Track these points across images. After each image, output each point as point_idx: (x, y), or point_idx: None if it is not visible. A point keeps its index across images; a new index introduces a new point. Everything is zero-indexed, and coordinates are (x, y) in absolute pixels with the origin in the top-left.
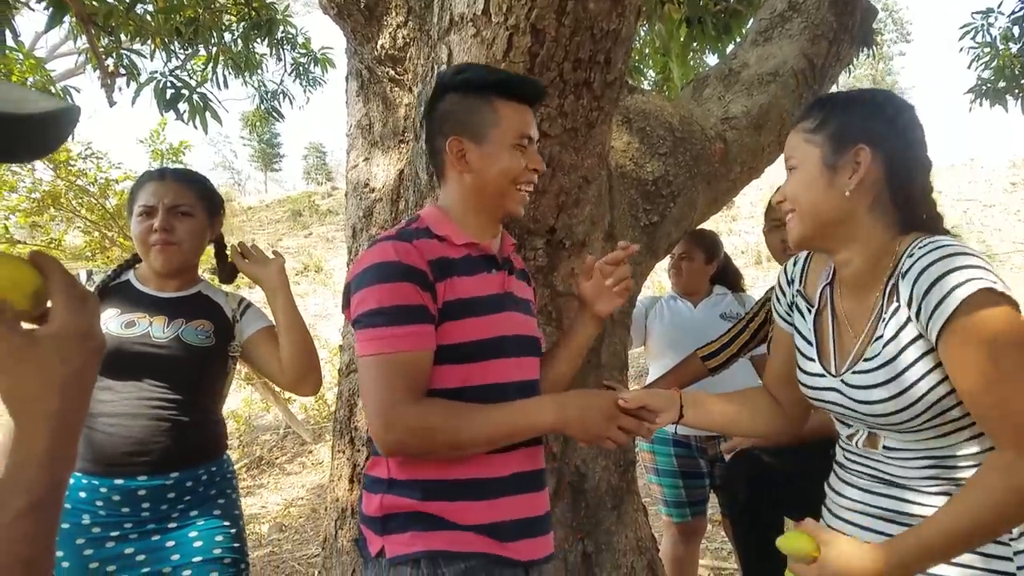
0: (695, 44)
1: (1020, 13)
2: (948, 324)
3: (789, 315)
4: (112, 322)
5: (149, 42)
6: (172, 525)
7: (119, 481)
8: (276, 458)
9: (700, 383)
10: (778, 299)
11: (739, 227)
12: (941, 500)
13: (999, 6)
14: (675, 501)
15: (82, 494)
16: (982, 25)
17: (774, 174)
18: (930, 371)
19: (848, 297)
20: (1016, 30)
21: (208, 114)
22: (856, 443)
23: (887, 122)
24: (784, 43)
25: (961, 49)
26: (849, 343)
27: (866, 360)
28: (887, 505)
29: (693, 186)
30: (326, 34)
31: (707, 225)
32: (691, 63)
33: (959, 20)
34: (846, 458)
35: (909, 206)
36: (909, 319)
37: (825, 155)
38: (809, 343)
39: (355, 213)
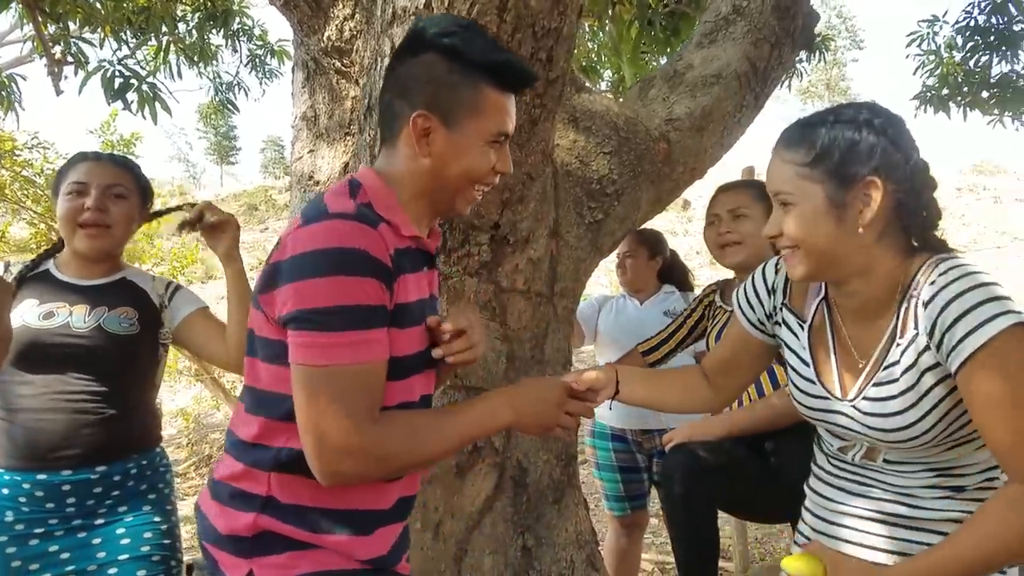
0: (645, 45)
1: (964, 23)
2: (972, 357)
3: (763, 325)
4: (29, 313)
5: (99, 30)
6: (99, 521)
7: (42, 476)
8: None
9: None
10: (751, 305)
11: (695, 227)
12: (942, 504)
13: (944, 15)
14: (615, 495)
15: (4, 490)
16: (928, 34)
17: (718, 173)
18: (946, 396)
19: (852, 320)
20: (959, 39)
21: (158, 105)
22: (853, 457)
23: (892, 146)
24: (728, 46)
25: (908, 56)
26: (854, 366)
27: (877, 385)
28: (889, 509)
29: (637, 185)
30: (284, 26)
31: (662, 225)
32: (646, 63)
33: (908, 28)
34: (837, 467)
35: (920, 229)
36: (928, 347)
37: (830, 192)
38: (806, 363)
39: (299, 206)
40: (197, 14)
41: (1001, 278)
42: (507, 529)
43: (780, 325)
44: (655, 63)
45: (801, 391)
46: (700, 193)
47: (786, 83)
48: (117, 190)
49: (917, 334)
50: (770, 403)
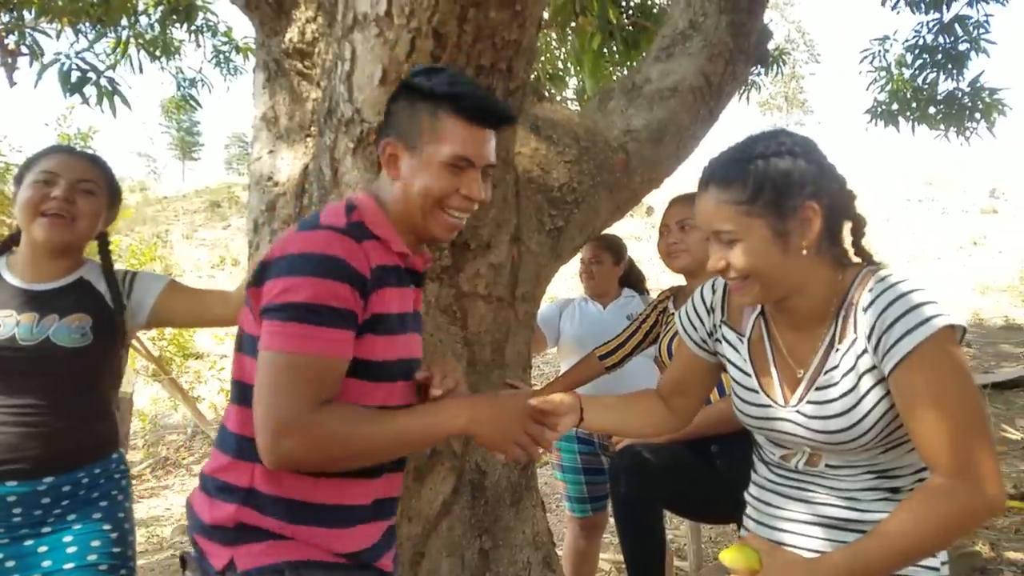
0: (606, 57)
1: (913, 41)
2: (908, 357)
3: (705, 343)
4: None
5: (56, 21)
6: (47, 530)
7: None
8: (183, 459)
9: (607, 381)
10: (693, 326)
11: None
12: (880, 506)
13: (894, 34)
14: (577, 497)
15: None
16: (879, 51)
17: (675, 184)
18: (882, 398)
19: (789, 331)
20: (909, 57)
21: (117, 99)
22: (796, 464)
23: (819, 170)
24: (684, 60)
25: (860, 72)
26: (793, 374)
27: (819, 389)
28: (831, 513)
29: (596, 194)
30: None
31: (626, 230)
32: (607, 75)
33: (862, 44)
34: (778, 476)
35: (855, 239)
36: (866, 350)
37: (772, 224)
38: (747, 374)
39: (257, 207)
40: (159, 8)
41: (945, 286)
42: (465, 532)
43: (720, 342)
44: (616, 75)
45: (744, 401)
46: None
47: (744, 96)
48: (87, 185)
49: (856, 338)
50: (717, 408)
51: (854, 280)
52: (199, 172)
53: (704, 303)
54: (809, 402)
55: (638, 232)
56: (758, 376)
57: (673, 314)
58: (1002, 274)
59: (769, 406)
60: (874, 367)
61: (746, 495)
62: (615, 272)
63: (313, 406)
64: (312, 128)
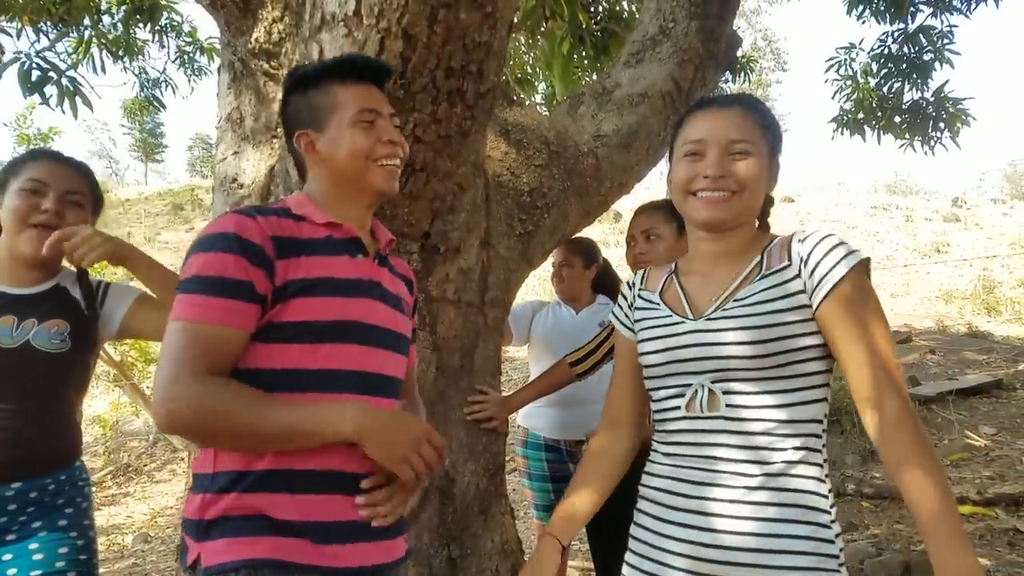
0: (576, 61)
1: (878, 51)
2: (845, 279)
3: (629, 316)
4: None
5: (16, 20)
6: (11, 537)
7: None
8: (144, 465)
9: (577, 386)
10: (620, 307)
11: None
12: (781, 481)
13: (860, 43)
14: (545, 504)
15: None
16: (845, 59)
17: (644, 190)
18: (800, 321)
19: (702, 271)
20: (874, 66)
21: (79, 99)
22: (699, 405)
23: (781, 138)
24: (654, 66)
25: (827, 81)
26: (706, 300)
27: (737, 300)
28: (734, 455)
29: (566, 198)
30: (214, 23)
31: (594, 236)
32: (576, 79)
33: (829, 53)
34: (679, 443)
35: (767, 207)
36: (797, 275)
37: (769, 156)
38: (656, 307)
39: (221, 208)
40: (123, 7)
41: (910, 293)
42: (432, 540)
43: (637, 310)
44: (585, 79)
45: (655, 326)
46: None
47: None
48: (75, 197)
49: (788, 264)
50: None
51: (774, 237)
52: (163, 174)
53: (628, 285)
54: (724, 310)
55: (606, 238)
56: (668, 306)
57: None
58: (965, 282)
59: (680, 322)
60: (800, 292)
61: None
62: (586, 276)
63: (196, 372)
64: (278, 129)
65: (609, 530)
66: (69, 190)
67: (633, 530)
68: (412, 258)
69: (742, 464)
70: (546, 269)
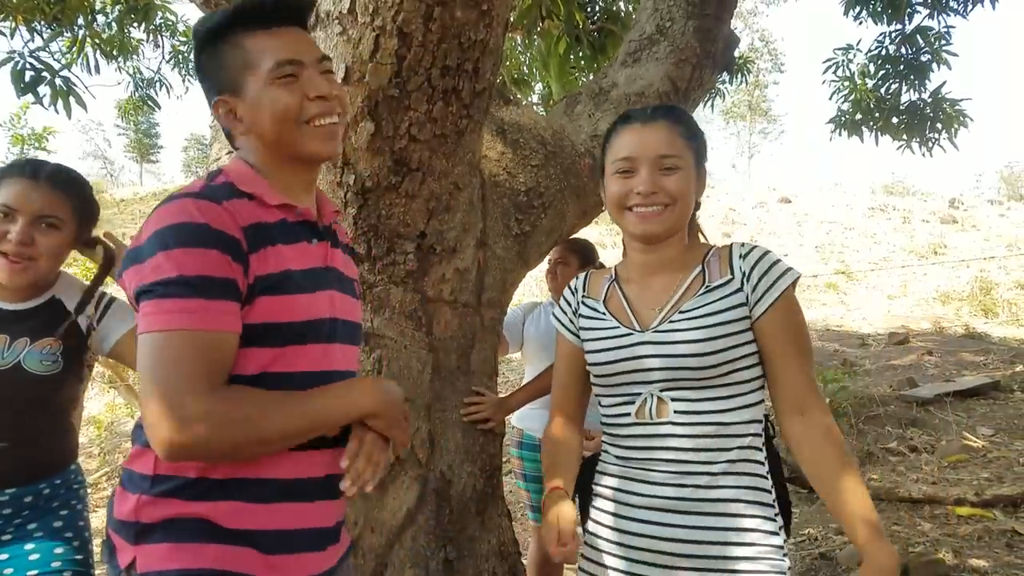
0: (572, 61)
1: (876, 52)
2: (781, 298)
3: (573, 322)
4: None
5: (10, 19)
6: (7, 538)
7: None
8: None
9: None
10: (563, 311)
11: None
12: (726, 480)
13: (858, 44)
14: (540, 506)
15: None
16: (843, 60)
17: None
18: (741, 332)
19: (641, 281)
20: (872, 67)
21: (72, 100)
22: (648, 412)
23: (706, 145)
24: (651, 65)
25: (824, 82)
26: (646, 310)
27: (682, 312)
28: (681, 458)
29: (563, 198)
30: None
31: (591, 237)
32: (573, 79)
33: (826, 54)
34: (631, 448)
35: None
36: (739, 289)
37: (695, 167)
38: (603, 317)
39: None
40: (117, 7)
41: (907, 293)
42: (429, 542)
43: (582, 317)
44: (582, 79)
45: (603, 338)
46: None
47: (708, 103)
48: (49, 220)
49: (732, 279)
50: None
51: (711, 247)
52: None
53: (570, 290)
54: (671, 322)
55: (603, 239)
56: (614, 316)
57: None
58: (962, 283)
59: (628, 334)
60: (740, 305)
61: (593, 514)
62: None
63: (204, 387)
64: None
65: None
66: (40, 214)
67: (589, 526)
68: (408, 257)
69: (690, 464)
70: (543, 268)
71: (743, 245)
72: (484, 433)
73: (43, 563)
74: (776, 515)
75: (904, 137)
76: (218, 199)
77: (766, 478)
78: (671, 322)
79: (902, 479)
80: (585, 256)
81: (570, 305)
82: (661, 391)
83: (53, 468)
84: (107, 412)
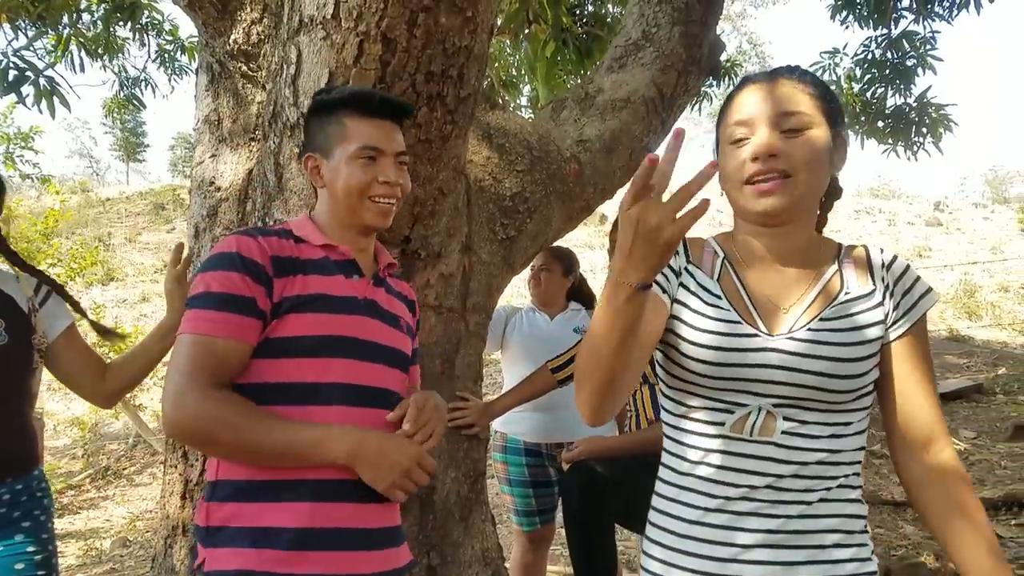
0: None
1: (862, 56)
2: (920, 321)
3: (671, 282)
4: None
5: None
6: None
7: None
8: (124, 468)
9: (557, 392)
10: (673, 267)
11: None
12: (821, 508)
13: (844, 47)
14: (525, 510)
15: None
16: (829, 64)
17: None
18: (874, 354)
19: (764, 269)
20: (858, 71)
21: (56, 99)
22: (750, 429)
23: (841, 109)
24: (637, 71)
25: None
26: (775, 310)
27: (824, 321)
28: (782, 485)
29: (549, 203)
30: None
31: (579, 238)
32: (560, 82)
33: (813, 57)
34: (720, 467)
35: (832, 199)
36: (880, 303)
37: (828, 132)
38: (724, 308)
39: (199, 212)
40: (103, 5)
41: None
42: (412, 549)
43: (684, 286)
44: (569, 82)
45: (714, 333)
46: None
47: (696, 107)
48: None
49: (874, 290)
50: (655, 431)
51: (839, 244)
52: (144, 174)
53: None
54: (810, 330)
55: (591, 240)
56: (734, 307)
57: None
58: (947, 286)
59: (754, 335)
60: (880, 323)
61: (648, 533)
62: (563, 283)
63: (204, 381)
64: (256, 132)
65: (591, 531)
66: None
67: (648, 547)
68: None
69: (786, 492)
70: (525, 274)
71: (883, 251)
72: (469, 438)
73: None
74: (869, 539)
75: (890, 141)
76: (255, 235)
77: (862, 502)
78: (810, 330)
79: (885, 482)
80: (568, 265)
81: (669, 266)
82: (774, 406)
83: (12, 470)
84: (91, 413)
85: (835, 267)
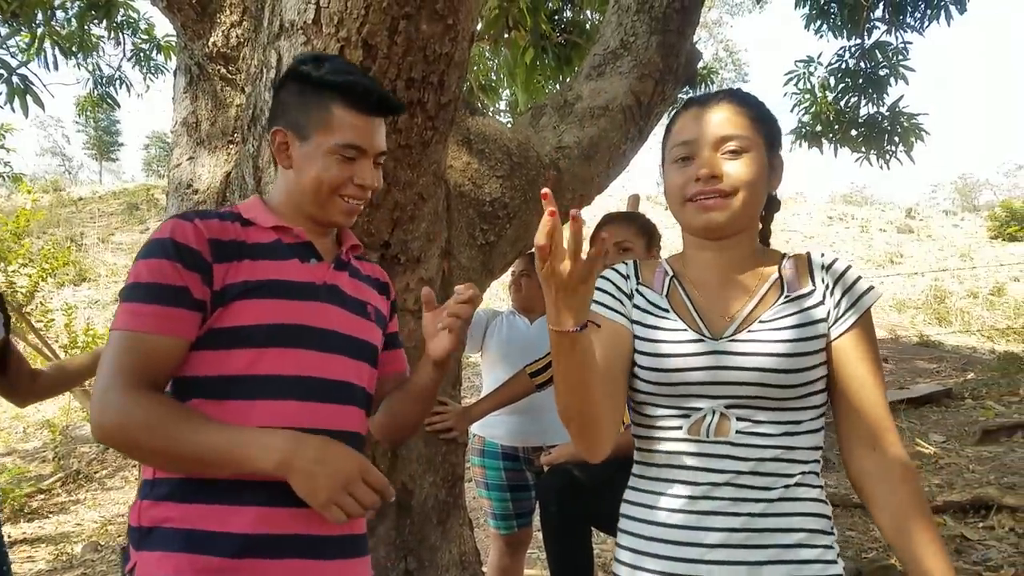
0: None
1: (836, 65)
2: (863, 317)
3: (625, 306)
4: None
5: None
6: None
7: None
8: (95, 472)
9: (536, 396)
10: (610, 294)
11: (586, 247)
12: (781, 506)
13: (819, 57)
14: (503, 514)
15: None
16: (804, 73)
17: (605, 201)
18: (818, 351)
19: (709, 280)
20: (832, 80)
21: (29, 98)
22: (706, 430)
23: (779, 131)
24: (615, 79)
25: (785, 94)
26: (720, 318)
27: (763, 323)
28: (739, 482)
29: (528, 209)
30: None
31: None
32: (539, 88)
33: (788, 66)
34: (683, 466)
35: (772, 211)
36: (821, 302)
37: (766, 152)
38: (670, 319)
39: (174, 214)
40: (77, 3)
41: None
42: (389, 553)
43: (637, 309)
44: (548, 88)
45: (665, 342)
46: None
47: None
48: None
49: (813, 290)
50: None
51: (783, 254)
52: (118, 173)
53: (617, 272)
54: (750, 331)
55: None
56: (680, 318)
57: None
58: (917, 292)
59: (699, 340)
60: (822, 320)
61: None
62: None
63: (127, 384)
64: (235, 135)
65: (568, 535)
66: None
67: (618, 553)
68: None
69: (746, 490)
70: (507, 277)
71: (823, 255)
72: (447, 443)
73: None
74: (835, 542)
75: (863, 149)
76: (192, 218)
77: (825, 503)
78: (751, 332)
79: None
80: None
81: (620, 289)
82: (726, 407)
83: None
84: (62, 416)
85: (777, 274)
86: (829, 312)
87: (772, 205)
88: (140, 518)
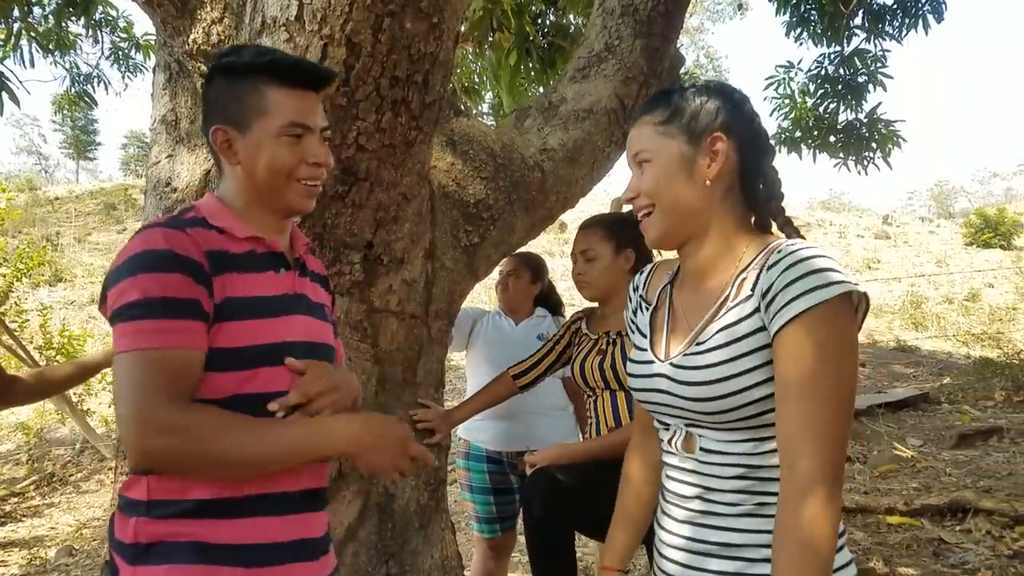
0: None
1: (815, 71)
2: (796, 319)
3: (634, 320)
4: None
5: None
6: None
7: None
8: (70, 475)
9: (518, 398)
10: (633, 313)
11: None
12: (748, 523)
13: (799, 63)
14: (486, 517)
15: None
16: (783, 79)
17: (589, 204)
18: (758, 367)
19: (688, 289)
20: (811, 86)
21: (4, 95)
22: (674, 444)
23: (736, 108)
24: (599, 82)
25: (765, 99)
26: (683, 332)
27: (698, 344)
28: (693, 507)
29: (512, 211)
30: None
31: (539, 246)
32: (524, 91)
33: (769, 72)
34: (667, 475)
35: (761, 200)
36: (756, 310)
37: (682, 146)
38: (643, 335)
39: (153, 213)
40: (55, 0)
41: None
42: (370, 558)
43: (636, 316)
44: (532, 91)
45: (633, 361)
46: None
47: None
48: None
49: (751, 296)
50: (622, 433)
51: (766, 247)
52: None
53: (633, 284)
54: (685, 354)
55: (551, 248)
56: (652, 336)
57: (586, 335)
58: (894, 297)
59: (650, 362)
60: (761, 330)
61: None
62: (530, 289)
63: (175, 401)
64: None
65: (551, 539)
66: None
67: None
68: (354, 268)
69: (715, 504)
70: (493, 278)
71: (780, 251)
72: (429, 446)
73: None
74: (841, 547)
75: (841, 155)
76: (181, 227)
77: None
78: (685, 356)
79: None
80: (537, 272)
81: (631, 304)
82: (687, 426)
83: None
84: (36, 418)
85: (742, 275)
86: (762, 318)
87: (756, 189)
88: (136, 535)
